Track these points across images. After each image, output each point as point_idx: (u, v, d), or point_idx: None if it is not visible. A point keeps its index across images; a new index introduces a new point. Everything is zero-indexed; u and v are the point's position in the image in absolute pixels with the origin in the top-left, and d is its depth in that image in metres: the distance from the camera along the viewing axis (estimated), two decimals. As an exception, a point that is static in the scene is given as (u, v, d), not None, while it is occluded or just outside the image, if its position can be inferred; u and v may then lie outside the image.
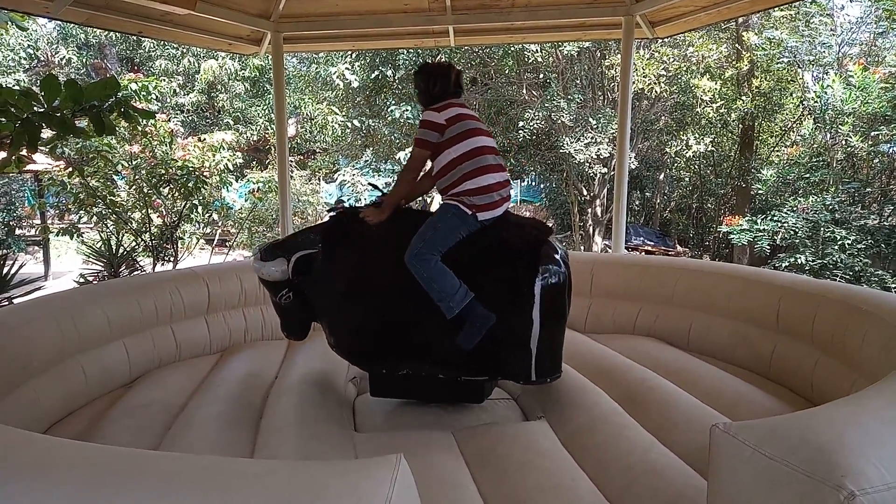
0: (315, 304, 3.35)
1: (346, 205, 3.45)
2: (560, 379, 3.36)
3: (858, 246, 8.10)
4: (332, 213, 3.39)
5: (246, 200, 10.34)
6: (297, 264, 3.24)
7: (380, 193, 3.36)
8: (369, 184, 4.15)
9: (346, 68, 12.83)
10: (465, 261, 2.96)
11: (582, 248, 13.29)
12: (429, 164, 3.19)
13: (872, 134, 8.58)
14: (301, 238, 3.35)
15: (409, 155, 3.22)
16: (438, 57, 12.15)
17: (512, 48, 11.56)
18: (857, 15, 12.26)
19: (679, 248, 14.09)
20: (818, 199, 8.71)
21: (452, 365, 3.06)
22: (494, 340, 2.95)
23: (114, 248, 7.43)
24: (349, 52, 12.78)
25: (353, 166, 14.92)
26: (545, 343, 2.94)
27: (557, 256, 2.97)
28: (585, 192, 13.11)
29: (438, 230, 2.96)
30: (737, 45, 12.06)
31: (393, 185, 3.25)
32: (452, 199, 3.01)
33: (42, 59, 16.88)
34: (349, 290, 3.15)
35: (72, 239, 7.39)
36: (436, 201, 11.45)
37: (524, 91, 12.70)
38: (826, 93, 9.04)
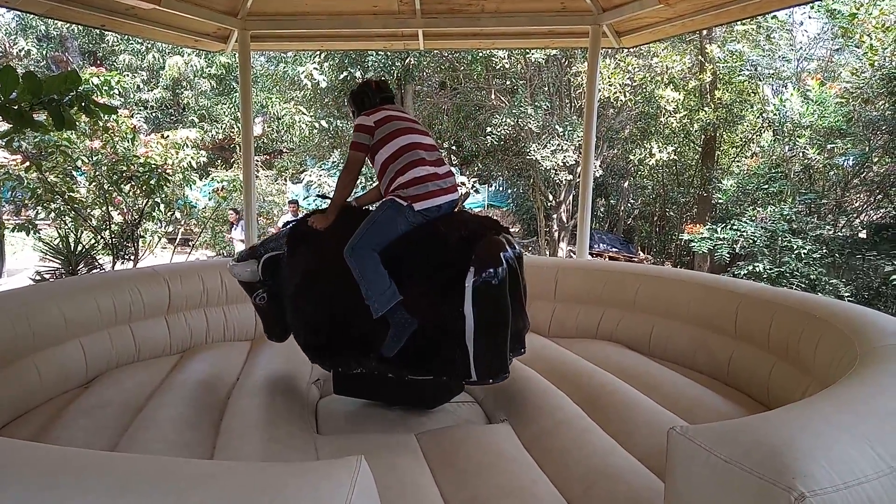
0: (285, 303, 3.40)
1: (300, 209, 3.60)
2: (524, 382, 3.39)
3: (814, 255, 8.33)
4: (289, 224, 3.50)
5: (210, 199, 10.19)
6: (265, 264, 3.35)
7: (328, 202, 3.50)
8: (320, 196, 4.28)
9: (315, 68, 12.75)
10: (402, 254, 2.97)
11: (547, 252, 13.41)
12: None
13: (828, 147, 8.85)
14: (271, 242, 3.44)
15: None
16: (407, 60, 12.17)
17: (481, 54, 11.63)
18: (815, 32, 12.64)
19: (642, 255, 14.32)
20: (776, 210, 8.95)
21: (394, 363, 3.03)
22: (429, 338, 2.93)
23: (72, 245, 7.26)
24: (318, 53, 12.71)
25: (321, 167, 14.84)
26: (484, 341, 2.86)
27: (500, 254, 2.88)
28: (551, 198, 13.23)
29: (375, 223, 2.98)
30: (700, 56, 12.32)
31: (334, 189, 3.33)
32: (389, 195, 3.05)
33: (-1, 49, 16.42)
34: (302, 285, 3.22)
35: (28, 235, 7.18)
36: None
37: (492, 96, 12.78)
38: (785, 106, 9.30)
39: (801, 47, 12.15)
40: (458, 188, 3.26)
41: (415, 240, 3.00)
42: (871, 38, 8.59)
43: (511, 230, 3.30)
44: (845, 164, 9.36)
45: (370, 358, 3.08)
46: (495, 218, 3.40)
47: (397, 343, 2.94)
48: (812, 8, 9.77)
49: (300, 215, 3.55)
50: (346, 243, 2.97)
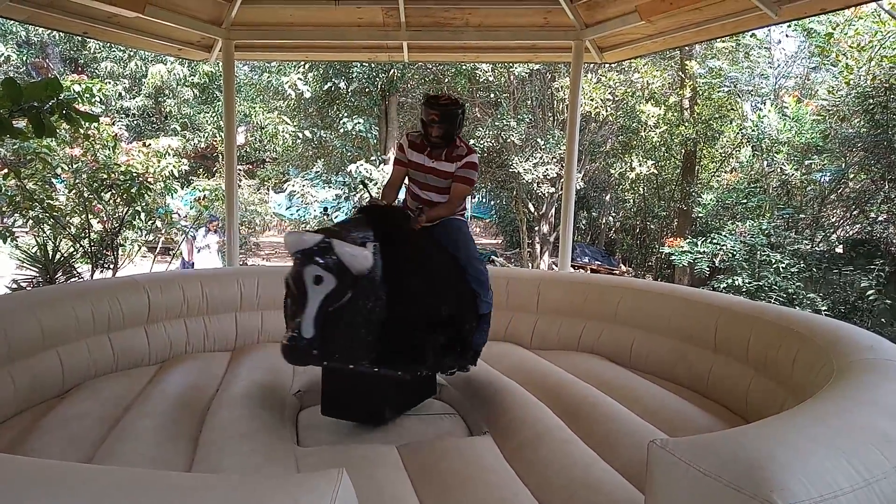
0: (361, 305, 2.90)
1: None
2: (505, 395, 3.43)
3: (792, 269, 8.45)
4: (362, 187, 3.81)
5: (191, 208, 10.11)
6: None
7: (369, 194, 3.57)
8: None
9: (299, 78, 12.74)
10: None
11: (530, 265, 13.46)
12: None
13: (805, 163, 9.00)
14: (355, 230, 2.99)
15: (458, 191, 3.52)
16: (392, 72, 12.20)
17: (464, 67, 11.70)
18: (793, 50, 12.87)
19: (623, 268, 14.41)
20: (755, 224, 9.07)
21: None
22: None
23: (50, 253, 7.16)
24: (302, 63, 12.70)
25: (304, 177, 14.79)
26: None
27: None
28: (534, 211, 13.29)
29: (467, 236, 3.57)
30: (680, 73, 12.48)
31: (436, 208, 3.48)
32: (457, 215, 3.57)
33: (-22, 55, 16.19)
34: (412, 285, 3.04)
35: (4, 243, 7.06)
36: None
37: (476, 109, 12.85)
38: (763, 122, 9.44)
39: (778, 65, 12.36)
40: None
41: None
42: (847, 58, 8.77)
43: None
44: (822, 179, 9.51)
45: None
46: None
47: (487, 335, 3.63)
48: (790, 27, 9.95)
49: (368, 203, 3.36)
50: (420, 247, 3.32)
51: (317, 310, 2.69)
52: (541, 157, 11.57)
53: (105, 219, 7.31)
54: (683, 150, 13.32)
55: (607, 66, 10.79)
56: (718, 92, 12.13)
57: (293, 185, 14.48)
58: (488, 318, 3.59)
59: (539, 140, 11.75)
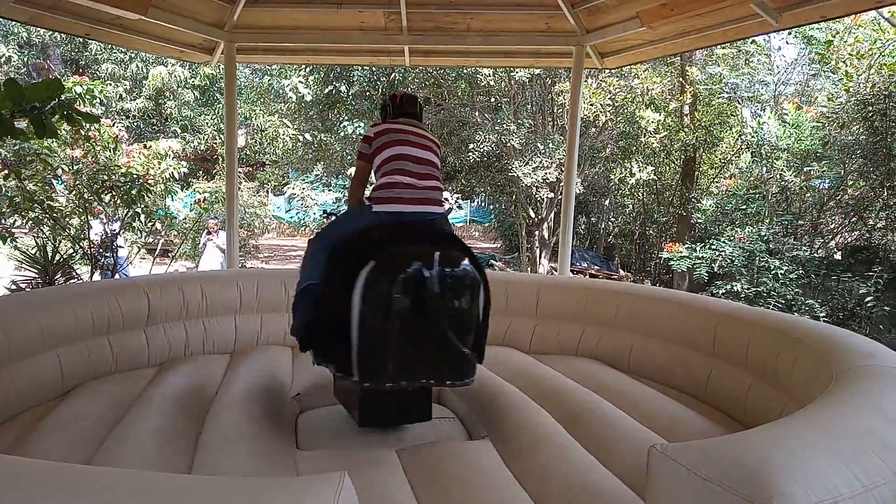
0: None
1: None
2: (504, 399, 3.42)
3: (790, 276, 8.45)
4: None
5: (191, 210, 10.11)
6: None
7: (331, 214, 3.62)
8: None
9: (300, 81, 12.74)
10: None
11: (529, 269, 13.46)
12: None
13: (805, 170, 9.01)
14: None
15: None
16: (392, 76, 12.22)
17: (465, 71, 11.70)
18: (792, 57, 12.91)
19: (622, 273, 14.41)
20: (754, 230, 9.08)
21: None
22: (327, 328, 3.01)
23: (49, 254, 7.16)
24: (303, 66, 12.71)
25: (304, 180, 14.81)
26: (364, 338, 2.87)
27: (409, 262, 2.82)
28: (533, 215, 13.30)
29: (336, 220, 3.34)
30: (680, 79, 12.50)
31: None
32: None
33: (-22, 56, 16.19)
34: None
35: (4, 244, 7.07)
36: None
37: (476, 113, 12.86)
38: (762, 128, 9.47)
39: (778, 72, 12.38)
40: (439, 203, 3.25)
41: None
42: (847, 65, 8.80)
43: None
44: (821, 186, 9.53)
45: None
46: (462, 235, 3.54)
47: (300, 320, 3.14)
48: (790, 34, 9.98)
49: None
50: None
51: None
52: (540, 162, 11.57)
53: (105, 220, 7.31)
54: (683, 156, 13.35)
55: (608, 71, 10.82)
56: (718, 98, 12.15)
57: (293, 188, 14.50)
58: (305, 295, 3.08)
59: (539, 144, 11.75)
